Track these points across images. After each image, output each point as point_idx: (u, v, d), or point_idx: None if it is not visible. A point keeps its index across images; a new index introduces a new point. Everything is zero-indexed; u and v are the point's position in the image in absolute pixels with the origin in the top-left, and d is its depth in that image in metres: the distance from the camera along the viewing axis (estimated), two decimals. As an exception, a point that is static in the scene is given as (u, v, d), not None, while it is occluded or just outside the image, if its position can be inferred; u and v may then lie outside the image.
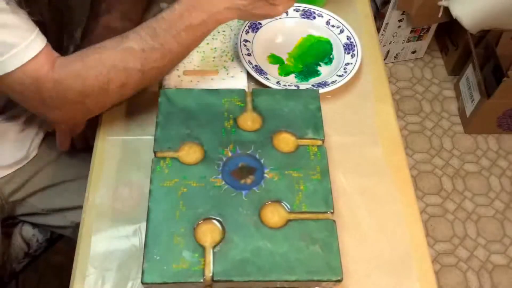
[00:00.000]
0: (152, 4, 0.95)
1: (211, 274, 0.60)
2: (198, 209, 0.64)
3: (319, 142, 0.72)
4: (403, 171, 0.77)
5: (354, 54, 0.87)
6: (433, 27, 1.83)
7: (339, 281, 0.61)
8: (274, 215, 0.65)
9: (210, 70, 0.85)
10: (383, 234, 0.71)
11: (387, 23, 1.76)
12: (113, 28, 0.87)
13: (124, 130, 0.79)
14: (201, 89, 0.77)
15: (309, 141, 0.71)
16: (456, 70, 1.89)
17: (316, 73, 0.87)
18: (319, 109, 0.75)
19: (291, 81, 0.86)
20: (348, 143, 0.79)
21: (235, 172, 0.68)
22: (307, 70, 0.88)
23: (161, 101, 0.74)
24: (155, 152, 0.69)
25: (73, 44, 0.79)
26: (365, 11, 0.97)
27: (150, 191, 0.66)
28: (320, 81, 0.85)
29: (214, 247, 0.62)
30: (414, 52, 1.93)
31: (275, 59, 0.89)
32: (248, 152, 0.70)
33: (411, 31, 1.82)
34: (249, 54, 0.86)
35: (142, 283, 0.60)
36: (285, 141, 0.71)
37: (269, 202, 0.66)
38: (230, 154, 0.69)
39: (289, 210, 0.65)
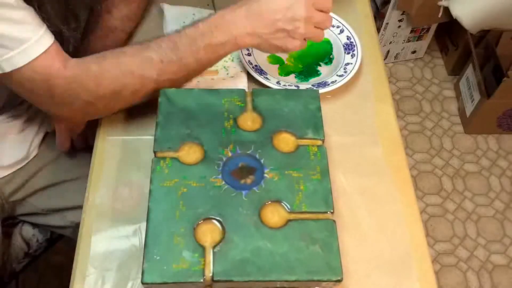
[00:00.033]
0: (152, 4, 0.95)
1: (211, 274, 0.60)
2: (198, 209, 0.64)
3: (319, 142, 0.72)
4: (403, 171, 0.77)
5: (354, 54, 0.87)
6: (433, 27, 1.83)
7: (339, 281, 0.61)
8: (274, 215, 0.65)
9: (210, 70, 0.85)
10: (383, 234, 0.71)
11: (387, 23, 1.76)
12: (113, 28, 0.87)
13: (124, 130, 0.79)
14: (201, 89, 0.77)
15: (309, 141, 0.71)
16: (456, 70, 1.89)
17: (316, 73, 0.87)
18: (319, 109, 0.75)
19: (291, 81, 0.86)
20: (348, 143, 0.79)
21: (235, 172, 0.68)
22: (307, 70, 0.88)
23: (161, 101, 0.74)
24: (155, 152, 0.69)
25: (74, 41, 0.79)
26: (365, 11, 0.97)
27: (150, 191, 0.66)
28: (320, 81, 0.85)
29: (214, 247, 0.62)
30: (414, 52, 1.93)
31: (275, 59, 0.89)
32: (248, 152, 0.70)
33: (411, 31, 1.82)
34: (249, 54, 0.86)
35: (142, 283, 0.60)
36: (285, 141, 0.71)
37: (269, 202, 0.66)
38: (230, 154, 0.69)
39: (289, 210, 0.65)
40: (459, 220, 1.60)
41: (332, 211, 0.65)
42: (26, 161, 0.90)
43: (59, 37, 0.71)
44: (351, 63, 0.86)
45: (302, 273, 0.61)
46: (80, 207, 0.73)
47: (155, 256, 0.61)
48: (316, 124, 0.73)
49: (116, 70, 0.70)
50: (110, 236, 0.69)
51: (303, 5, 0.71)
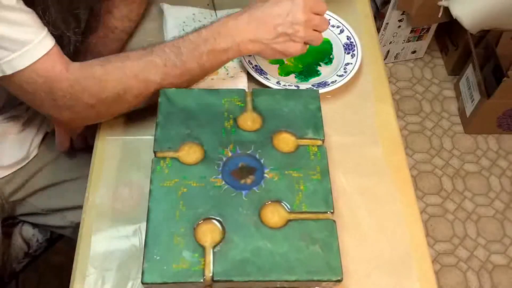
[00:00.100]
0: (152, 4, 0.95)
1: (211, 274, 0.60)
2: (198, 209, 0.64)
3: (319, 142, 0.72)
4: (403, 171, 0.77)
5: (354, 54, 0.87)
6: (433, 27, 1.83)
7: (339, 281, 0.61)
8: (274, 215, 0.65)
9: (210, 70, 0.85)
10: (383, 234, 0.71)
11: (387, 23, 1.76)
12: (113, 28, 0.87)
13: (124, 130, 0.79)
14: (201, 89, 0.77)
15: (309, 141, 0.71)
16: (456, 70, 1.89)
17: (316, 73, 0.87)
18: (319, 109, 0.75)
19: (291, 81, 0.86)
20: (348, 143, 0.79)
21: (235, 172, 0.68)
22: (307, 70, 0.88)
23: (161, 101, 0.74)
24: (155, 152, 0.69)
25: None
26: (365, 11, 0.97)
27: (150, 191, 0.66)
28: (320, 81, 0.85)
29: (214, 247, 0.62)
30: (414, 52, 1.93)
31: (275, 59, 0.89)
32: (248, 152, 0.70)
33: (411, 31, 1.82)
34: (249, 54, 0.86)
35: (142, 283, 0.60)
36: (285, 141, 0.71)
37: (269, 202, 0.66)
38: (230, 154, 0.69)
39: (289, 210, 0.65)
40: (459, 220, 1.60)
41: (332, 211, 0.65)
42: (26, 161, 0.90)
43: (60, 39, 0.71)
44: (351, 63, 0.86)
45: (302, 273, 0.61)
46: (80, 207, 0.73)
47: (155, 256, 0.61)
48: (316, 124, 0.73)
49: (120, 74, 0.70)
50: (110, 236, 0.69)
51: (302, 9, 0.74)
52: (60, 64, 0.68)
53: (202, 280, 0.60)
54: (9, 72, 0.65)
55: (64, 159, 0.95)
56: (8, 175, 0.89)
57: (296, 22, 0.74)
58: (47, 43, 0.66)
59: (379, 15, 1.80)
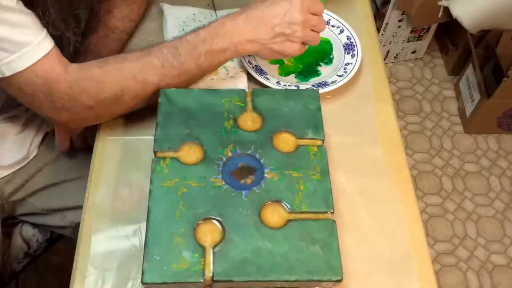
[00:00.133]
0: (152, 4, 0.95)
1: (211, 274, 0.60)
2: (198, 209, 0.64)
3: (319, 142, 0.72)
4: (403, 171, 0.77)
5: (354, 54, 0.87)
6: (433, 27, 1.83)
7: (339, 281, 0.61)
8: (274, 215, 0.65)
9: (210, 70, 0.85)
10: (383, 234, 0.71)
11: (387, 23, 1.76)
12: (113, 28, 0.87)
13: (124, 130, 0.79)
14: (201, 89, 0.77)
15: (309, 141, 0.71)
16: (456, 70, 1.89)
17: (316, 73, 0.87)
18: (319, 109, 0.75)
19: (291, 81, 0.86)
20: (348, 143, 0.79)
21: (235, 172, 0.68)
22: (307, 70, 0.88)
23: (161, 101, 0.74)
24: (155, 152, 0.69)
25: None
26: (365, 11, 0.97)
27: (150, 191, 0.65)
28: (320, 81, 0.85)
29: (214, 247, 0.62)
30: (414, 52, 1.93)
31: (275, 59, 0.89)
32: (248, 152, 0.70)
33: (411, 31, 1.82)
34: (249, 54, 0.86)
35: (142, 283, 0.60)
36: (285, 141, 0.71)
37: (269, 202, 0.66)
38: (230, 154, 0.69)
39: (289, 210, 0.65)
40: (459, 220, 1.60)
41: (332, 211, 0.65)
42: (26, 161, 0.90)
43: (60, 40, 0.71)
44: (351, 63, 0.86)
45: (302, 273, 0.61)
46: (80, 207, 0.73)
47: (155, 256, 0.61)
48: (316, 124, 0.73)
49: (119, 75, 0.70)
50: (110, 236, 0.69)
51: (299, 9, 0.74)
52: (59, 66, 0.68)
53: (202, 280, 0.60)
54: (8, 73, 0.65)
55: (64, 159, 0.95)
56: (8, 175, 0.89)
57: (294, 22, 0.74)
58: (46, 44, 0.66)
59: (379, 15, 1.80)
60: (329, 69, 0.88)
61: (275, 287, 0.62)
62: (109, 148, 0.77)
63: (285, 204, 0.66)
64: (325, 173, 0.68)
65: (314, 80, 0.86)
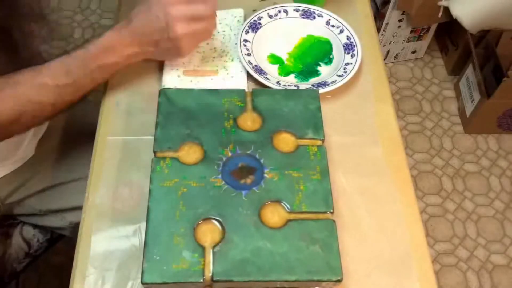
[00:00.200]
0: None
1: (211, 274, 0.60)
2: (198, 209, 0.64)
3: (319, 142, 0.72)
4: (403, 171, 0.77)
5: (354, 54, 0.87)
6: (433, 27, 1.83)
7: (339, 281, 0.61)
8: (274, 215, 0.65)
9: (210, 70, 0.85)
10: (383, 234, 0.71)
11: (387, 23, 1.76)
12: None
13: (124, 130, 0.79)
14: (201, 89, 0.77)
15: (309, 141, 0.71)
16: (456, 70, 1.89)
17: (316, 73, 0.87)
18: (319, 109, 0.75)
19: (291, 81, 0.86)
20: (348, 143, 0.79)
21: (235, 172, 0.68)
22: (307, 70, 0.88)
23: (161, 101, 0.74)
24: (155, 152, 0.69)
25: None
26: (365, 11, 0.97)
27: (150, 191, 0.66)
28: (320, 81, 0.85)
29: (214, 247, 0.62)
30: (414, 52, 1.93)
31: (275, 59, 0.89)
32: (248, 152, 0.70)
33: (411, 31, 1.82)
34: (249, 54, 0.86)
35: (142, 283, 0.60)
36: (285, 141, 0.71)
37: (269, 202, 0.66)
38: (230, 154, 0.69)
39: (289, 210, 0.65)
40: (459, 220, 1.60)
41: (332, 211, 0.66)
42: (23, 162, 0.90)
43: None
44: (351, 63, 0.86)
45: (302, 273, 0.61)
46: (78, 207, 0.73)
47: (155, 256, 0.61)
48: (316, 124, 0.73)
49: (13, 101, 0.70)
50: (110, 236, 0.69)
51: (177, 24, 0.73)
52: None
53: (202, 280, 0.60)
54: None
55: (63, 160, 0.95)
56: (5, 176, 0.88)
57: (175, 38, 0.74)
58: None
59: (379, 15, 1.80)
60: (329, 69, 0.88)
61: (275, 287, 0.62)
62: (109, 148, 0.77)
63: (285, 204, 0.66)
64: (325, 173, 0.68)
65: (314, 80, 0.86)
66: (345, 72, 0.85)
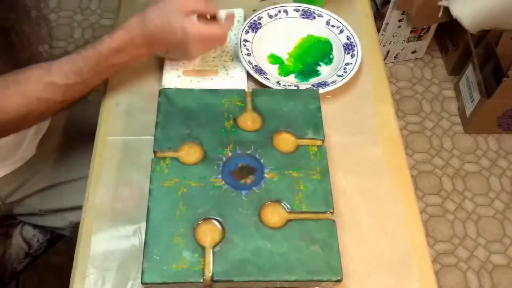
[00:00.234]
0: (152, 4, 0.95)
1: (211, 274, 0.60)
2: (198, 209, 0.64)
3: (319, 142, 0.72)
4: (403, 171, 0.77)
5: (354, 54, 0.87)
6: (433, 27, 1.83)
7: (339, 281, 0.61)
8: (274, 215, 0.65)
9: (210, 70, 0.85)
10: (383, 234, 0.71)
11: (387, 23, 1.76)
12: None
13: (124, 130, 0.79)
14: (201, 89, 0.77)
15: (309, 141, 0.71)
16: (456, 70, 1.89)
17: (316, 73, 0.87)
18: (319, 109, 0.75)
19: (291, 81, 0.86)
20: (348, 143, 0.79)
21: (235, 172, 0.68)
22: (307, 70, 0.88)
23: (161, 101, 0.74)
24: (155, 152, 0.69)
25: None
26: (365, 11, 0.97)
27: (150, 191, 0.66)
28: (320, 81, 0.85)
29: (214, 247, 0.62)
30: (414, 52, 1.93)
31: (275, 59, 0.89)
32: (248, 152, 0.70)
33: (411, 31, 1.82)
34: (249, 54, 0.86)
35: (142, 283, 0.60)
36: (285, 141, 0.71)
37: (269, 202, 0.66)
38: (230, 154, 0.69)
39: (289, 210, 0.65)
40: (459, 220, 1.60)
41: (332, 211, 0.66)
42: (24, 162, 0.90)
43: None
44: (351, 63, 0.86)
45: (302, 273, 0.61)
46: (78, 207, 0.73)
47: (155, 256, 0.61)
48: (316, 124, 0.73)
49: (21, 99, 0.70)
50: (110, 236, 0.69)
51: (193, 45, 0.77)
52: None
53: (202, 280, 0.60)
54: None
55: (63, 159, 0.95)
56: (5, 176, 0.88)
57: (188, 52, 0.78)
58: None
59: (379, 15, 1.80)
60: (329, 69, 0.88)
61: (275, 287, 0.62)
62: (109, 148, 0.77)
63: (285, 204, 0.66)
64: (325, 173, 0.68)
65: (314, 80, 0.86)
66: (345, 72, 0.85)
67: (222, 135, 0.71)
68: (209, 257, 0.61)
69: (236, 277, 0.60)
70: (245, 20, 0.92)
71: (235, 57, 0.87)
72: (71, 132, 0.99)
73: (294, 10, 0.93)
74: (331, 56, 0.90)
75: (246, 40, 0.88)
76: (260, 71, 0.84)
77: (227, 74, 0.85)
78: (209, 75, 0.84)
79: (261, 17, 0.91)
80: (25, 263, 0.99)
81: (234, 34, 0.90)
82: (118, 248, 0.68)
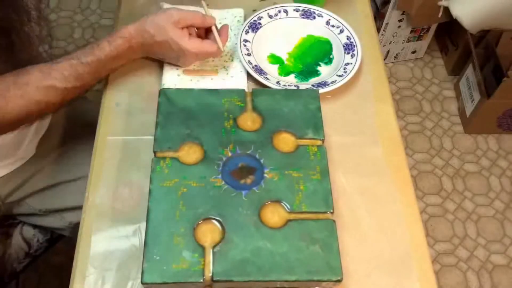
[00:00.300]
0: (153, 4, 0.95)
1: (210, 274, 0.60)
2: (198, 209, 0.64)
3: (319, 142, 0.72)
4: (403, 171, 0.77)
5: (354, 54, 0.87)
6: (433, 27, 1.83)
7: (339, 281, 0.61)
8: (274, 215, 0.65)
9: (210, 70, 0.85)
10: (383, 234, 0.71)
11: (387, 23, 1.76)
12: None
13: (124, 130, 0.79)
14: (201, 89, 0.77)
15: (309, 141, 0.71)
16: (456, 70, 1.89)
17: (316, 73, 0.87)
18: (319, 109, 0.75)
19: (291, 81, 0.86)
20: (348, 143, 0.79)
21: (235, 172, 0.68)
22: (307, 70, 0.88)
23: (161, 101, 0.74)
24: (155, 152, 0.69)
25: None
26: (365, 11, 0.97)
27: (150, 191, 0.66)
28: (320, 81, 0.85)
29: (214, 247, 0.62)
30: (414, 52, 1.93)
31: (275, 59, 0.89)
32: (248, 152, 0.70)
33: (411, 31, 1.82)
34: (249, 54, 0.86)
35: (142, 283, 0.60)
36: (285, 141, 0.71)
37: (269, 202, 0.66)
38: (230, 154, 0.69)
39: (289, 210, 0.65)
40: (459, 220, 1.60)
41: (332, 211, 0.66)
42: (23, 162, 0.90)
43: None
44: (351, 63, 0.86)
45: (302, 273, 0.61)
46: (78, 207, 0.73)
47: (155, 256, 0.61)
48: (316, 124, 0.73)
49: (21, 101, 0.71)
50: (110, 236, 0.69)
51: (190, 59, 0.82)
52: None
53: (202, 280, 0.60)
54: None
55: (63, 159, 0.95)
56: (5, 176, 0.88)
57: (183, 63, 0.83)
58: None
59: (379, 15, 1.80)
60: (329, 69, 0.88)
61: (275, 287, 0.62)
62: (109, 148, 0.77)
63: (285, 204, 0.66)
64: (325, 173, 0.68)
65: (314, 80, 0.86)
66: (345, 72, 0.85)
67: (222, 135, 0.71)
68: (209, 257, 0.61)
69: (236, 277, 0.60)
70: (245, 20, 0.92)
71: (235, 57, 0.87)
72: (71, 132, 0.99)
73: (294, 10, 0.93)
74: (331, 56, 0.90)
75: (246, 40, 0.88)
76: (260, 71, 0.84)
77: (227, 74, 0.85)
78: (209, 75, 0.84)
79: (261, 17, 0.91)
80: (25, 263, 0.99)
81: (234, 34, 0.90)
82: (118, 248, 0.68)
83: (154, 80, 0.84)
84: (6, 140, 0.87)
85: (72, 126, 1.00)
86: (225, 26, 0.83)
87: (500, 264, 1.53)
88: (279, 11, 0.92)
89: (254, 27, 0.90)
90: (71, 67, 0.74)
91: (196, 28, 0.83)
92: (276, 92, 0.77)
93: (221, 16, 0.92)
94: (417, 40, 1.88)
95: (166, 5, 0.93)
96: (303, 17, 0.93)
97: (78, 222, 0.71)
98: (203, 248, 0.62)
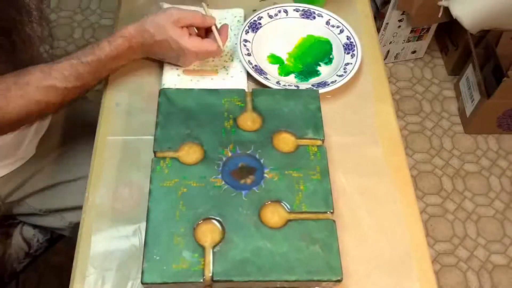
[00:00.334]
0: (153, 4, 0.95)
1: (211, 274, 0.60)
2: (198, 209, 0.64)
3: (319, 142, 0.72)
4: (403, 171, 0.77)
5: (354, 54, 0.87)
6: (433, 27, 1.83)
7: (339, 281, 0.61)
8: (274, 215, 0.65)
9: (210, 70, 0.85)
10: (383, 234, 0.71)
11: (387, 23, 1.76)
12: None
13: (124, 130, 0.79)
14: (201, 89, 0.77)
15: (309, 141, 0.71)
16: (456, 70, 1.89)
17: (316, 73, 0.87)
18: (319, 109, 0.75)
19: (291, 81, 0.86)
20: (348, 143, 0.79)
21: (235, 172, 0.68)
22: (307, 70, 0.88)
23: (161, 101, 0.74)
24: (155, 152, 0.69)
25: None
26: (365, 11, 0.97)
27: (150, 191, 0.66)
28: (320, 81, 0.85)
29: (214, 247, 0.62)
30: (414, 52, 1.93)
31: (275, 59, 0.89)
32: (248, 152, 0.70)
33: (411, 31, 1.82)
34: (249, 54, 0.86)
35: (142, 283, 0.60)
36: (285, 141, 0.71)
37: (269, 202, 0.66)
38: (230, 154, 0.69)
39: (289, 210, 0.65)
40: (459, 220, 1.60)
41: (332, 211, 0.66)
42: (24, 162, 0.90)
43: None
44: (351, 63, 0.86)
45: (302, 273, 0.61)
46: (78, 207, 0.73)
47: (155, 256, 0.61)
48: (316, 124, 0.73)
49: (22, 101, 0.72)
50: (110, 236, 0.69)
51: (189, 59, 0.82)
52: None
53: (202, 280, 0.60)
54: None
55: (63, 159, 0.95)
56: (5, 175, 0.88)
57: (183, 63, 0.83)
58: None
59: (379, 15, 1.80)
60: (329, 69, 0.88)
61: (275, 287, 0.62)
62: (109, 148, 0.77)
63: (285, 204, 0.66)
64: (325, 173, 0.68)
65: (314, 80, 0.86)
66: (345, 72, 0.85)
67: (222, 135, 0.71)
68: (209, 257, 0.61)
69: (236, 277, 0.60)
70: (245, 20, 0.92)
71: (235, 57, 0.87)
72: (71, 132, 0.99)
73: (294, 10, 0.93)
74: (331, 56, 0.90)
75: (246, 40, 0.88)
76: (260, 71, 0.84)
77: (227, 74, 0.85)
78: (209, 75, 0.84)
79: (261, 17, 0.91)
80: (25, 263, 0.99)
81: (234, 34, 0.90)
82: (118, 248, 0.68)
83: (154, 80, 0.84)
84: (6, 140, 0.87)
85: (72, 126, 1.00)
86: (225, 26, 0.83)
87: (500, 264, 1.53)
88: (279, 11, 0.92)
89: (254, 27, 0.90)
90: (71, 67, 0.74)
91: (196, 29, 0.83)
92: (276, 92, 0.77)
93: (221, 16, 0.92)
94: (417, 40, 1.88)
95: (166, 5, 0.93)
96: (303, 17, 0.93)
97: (78, 222, 0.71)
98: (203, 248, 0.62)
